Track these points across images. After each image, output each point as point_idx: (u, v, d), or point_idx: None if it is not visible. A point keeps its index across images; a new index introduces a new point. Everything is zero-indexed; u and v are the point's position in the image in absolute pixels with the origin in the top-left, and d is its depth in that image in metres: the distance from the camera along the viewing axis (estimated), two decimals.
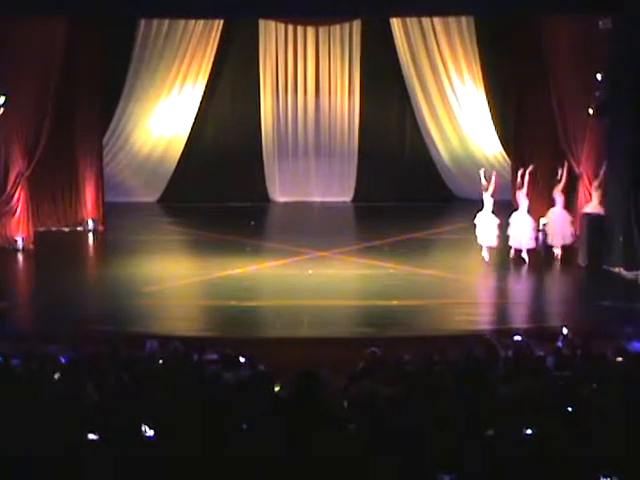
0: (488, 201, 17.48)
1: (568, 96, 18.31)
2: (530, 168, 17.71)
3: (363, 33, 23.38)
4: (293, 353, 12.03)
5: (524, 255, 17.53)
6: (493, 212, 17.49)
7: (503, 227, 17.49)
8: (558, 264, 17.68)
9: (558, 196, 17.83)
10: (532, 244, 17.62)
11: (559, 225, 17.88)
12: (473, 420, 7.40)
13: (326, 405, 7.79)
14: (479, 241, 17.55)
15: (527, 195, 17.58)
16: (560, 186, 17.76)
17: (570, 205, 18.25)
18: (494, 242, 17.49)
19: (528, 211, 17.65)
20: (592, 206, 17.94)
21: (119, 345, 11.02)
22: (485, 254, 17.48)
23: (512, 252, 17.65)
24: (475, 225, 17.56)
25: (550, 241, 17.97)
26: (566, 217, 17.91)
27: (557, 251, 17.86)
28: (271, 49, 23.56)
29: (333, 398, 8.17)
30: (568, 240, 17.90)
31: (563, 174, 17.73)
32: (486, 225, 17.46)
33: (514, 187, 20.21)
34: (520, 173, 17.83)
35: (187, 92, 23.51)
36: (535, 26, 18.93)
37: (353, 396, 8.32)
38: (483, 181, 17.53)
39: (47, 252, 18.70)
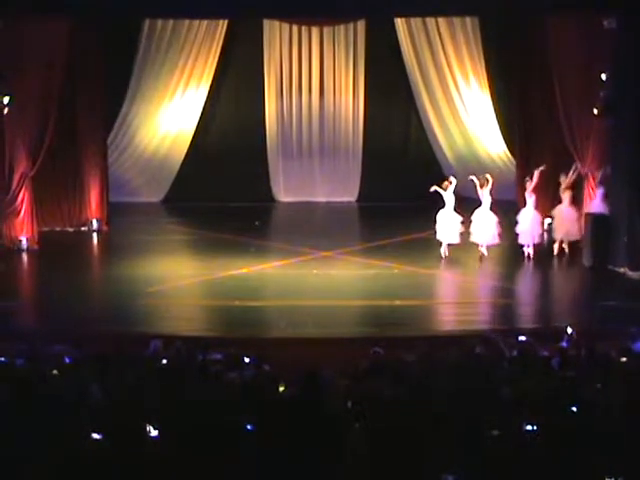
0: (450, 199, 17.59)
1: (573, 96, 18.28)
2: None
3: (367, 33, 23.38)
4: (297, 353, 12.03)
5: (483, 250, 17.60)
6: (455, 210, 17.57)
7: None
8: (530, 263, 17.72)
9: (528, 196, 17.83)
10: (495, 240, 17.64)
11: (530, 225, 17.85)
12: (477, 420, 7.39)
13: (330, 405, 7.78)
14: (438, 237, 17.66)
15: (490, 193, 17.62)
16: (531, 186, 17.76)
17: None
18: (456, 239, 17.57)
19: (491, 208, 17.68)
20: (562, 209, 17.96)
21: (123, 345, 11.03)
22: (444, 251, 17.59)
23: (480, 249, 17.71)
24: (436, 222, 17.70)
25: (520, 240, 17.95)
26: (537, 217, 17.91)
27: (527, 250, 17.83)
28: (275, 49, 23.55)
29: (337, 398, 8.17)
30: (537, 240, 17.90)
31: (535, 175, 17.77)
32: (448, 223, 17.56)
33: (519, 187, 20.25)
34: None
35: (191, 92, 23.50)
36: (540, 26, 18.91)
37: (357, 396, 8.31)
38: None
39: (51, 252, 18.70)
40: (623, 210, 17.11)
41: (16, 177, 18.54)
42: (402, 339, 13.21)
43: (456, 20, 22.89)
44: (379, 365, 9.78)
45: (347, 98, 23.94)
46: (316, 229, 20.96)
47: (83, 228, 20.65)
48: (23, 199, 18.71)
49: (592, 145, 18.14)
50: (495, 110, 23.42)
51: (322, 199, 24.24)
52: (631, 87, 16.64)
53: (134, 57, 23.08)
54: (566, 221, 18.04)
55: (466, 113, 23.74)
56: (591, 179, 18.29)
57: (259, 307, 15.22)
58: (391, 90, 23.89)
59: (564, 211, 18.07)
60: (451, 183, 17.63)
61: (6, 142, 18.30)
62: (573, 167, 18.02)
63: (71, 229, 20.61)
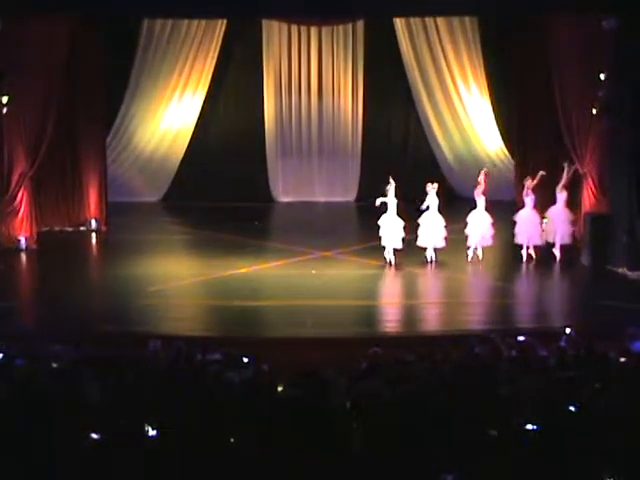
0: (392, 203, 17.43)
1: (572, 96, 18.28)
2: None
3: (366, 33, 23.41)
4: (296, 353, 12.03)
5: (428, 253, 17.49)
6: (398, 214, 17.45)
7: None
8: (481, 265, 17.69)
9: (477, 197, 17.77)
10: (442, 244, 17.55)
11: (479, 227, 17.73)
12: (476, 420, 7.39)
13: (329, 405, 7.78)
14: (383, 243, 17.48)
15: (437, 195, 17.53)
16: (481, 188, 17.66)
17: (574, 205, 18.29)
18: (399, 244, 17.40)
19: (439, 210, 17.60)
20: (524, 213, 17.84)
21: (122, 345, 11.03)
22: (390, 255, 17.39)
23: (427, 252, 17.60)
24: (379, 227, 17.50)
25: (469, 242, 17.81)
26: (487, 219, 17.71)
27: (476, 252, 17.74)
28: (274, 49, 23.57)
29: (336, 398, 8.16)
30: (488, 242, 17.77)
31: (482, 177, 17.68)
32: (391, 227, 17.39)
33: (518, 187, 20.30)
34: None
35: (190, 92, 23.51)
36: (538, 26, 18.91)
37: (356, 396, 8.30)
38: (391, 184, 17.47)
39: (50, 252, 18.71)
40: (622, 210, 17.11)
41: (15, 177, 18.55)
42: (401, 339, 13.23)
43: (455, 21, 22.91)
44: (378, 365, 9.78)
45: (346, 98, 23.97)
46: (315, 229, 20.95)
47: (82, 228, 20.67)
48: (22, 199, 18.71)
49: (591, 145, 18.15)
50: (494, 111, 23.44)
51: (321, 199, 24.26)
52: (630, 87, 16.64)
53: (133, 56, 23.08)
54: (528, 226, 17.84)
55: (465, 114, 23.76)
56: (589, 179, 18.29)
57: (258, 307, 15.22)
58: (390, 90, 23.91)
59: (526, 215, 17.92)
60: (390, 186, 17.46)
61: (5, 142, 18.30)
62: (539, 174, 17.95)
63: (70, 229, 20.62)
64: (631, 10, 16.36)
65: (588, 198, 18.31)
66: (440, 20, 22.97)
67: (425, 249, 17.56)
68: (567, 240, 17.95)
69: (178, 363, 10.14)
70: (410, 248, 17.55)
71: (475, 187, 17.83)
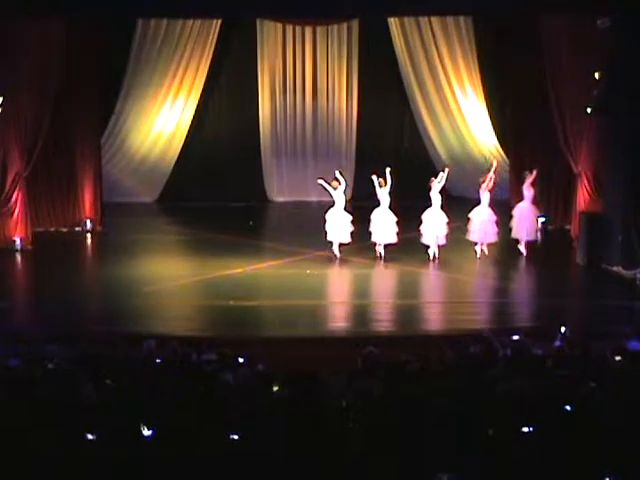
0: (340, 198, 17.60)
1: (566, 95, 18.29)
2: (389, 169, 17.61)
3: (361, 33, 23.37)
4: (291, 353, 12.03)
5: (381, 249, 17.60)
6: (345, 209, 17.60)
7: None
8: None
9: (434, 196, 17.68)
10: (394, 239, 17.57)
11: (433, 225, 17.69)
12: (472, 419, 7.39)
13: (325, 405, 7.78)
14: (329, 238, 17.66)
15: (389, 192, 17.59)
16: (439, 187, 17.61)
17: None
18: (347, 239, 17.59)
19: (390, 207, 17.62)
20: (479, 210, 17.84)
21: (118, 345, 11.02)
22: (336, 250, 17.60)
23: (378, 248, 17.68)
24: (327, 221, 17.74)
25: (423, 240, 17.81)
26: (441, 218, 17.66)
27: (430, 251, 17.72)
28: (269, 49, 23.52)
29: (332, 398, 8.16)
30: (442, 241, 17.74)
31: (442, 176, 17.63)
32: (338, 222, 17.59)
33: (513, 186, 20.34)
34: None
35: (185, 92, 23.47)
36: (533, 25, 18.90)
37: (352, 396, 8.30)
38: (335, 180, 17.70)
39: (45, 252, 18.69)
40: (617, 209, 17.13)
41: (10, 177, 18.52)
42: (396, 338, 13.23)
43: (449, 20, 22.88)
44: (374, 365, 9.78)
45: (340, 98, 23.94)
46: (310, 228, 20.91)
47: (77, 228, 20.65)
48: (17, 199, 18.69)
49: (585, 144, 18.16)
50: (488, 110, 23.42)
51: (315, 198, 24.22)
52: (624, 86, 16.65)
53: (128, 57, 23.03)
54: (483, 223, 17.85)
55: (459, 113, 23.74)
56: (584, 178, 18.31)
57: (253, 307, 15.20)
58: (384, 90, 23.88)
59: (481, 213, 17.90)
60: (340, 183, 17.55)
61: (0, 142, 18.26)
62: (493, 169, 18.00)
63: (65, 229, 20.60)
64: (625, 9, 16.37)
65: (583, 197, 18.35)
66: (434, 19, 22.95)
67: (376, 245, 17.70)
68: (533, 237, 18.06)
69: (173, 363, 10.14)
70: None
71: (431, 185, 17.76)
